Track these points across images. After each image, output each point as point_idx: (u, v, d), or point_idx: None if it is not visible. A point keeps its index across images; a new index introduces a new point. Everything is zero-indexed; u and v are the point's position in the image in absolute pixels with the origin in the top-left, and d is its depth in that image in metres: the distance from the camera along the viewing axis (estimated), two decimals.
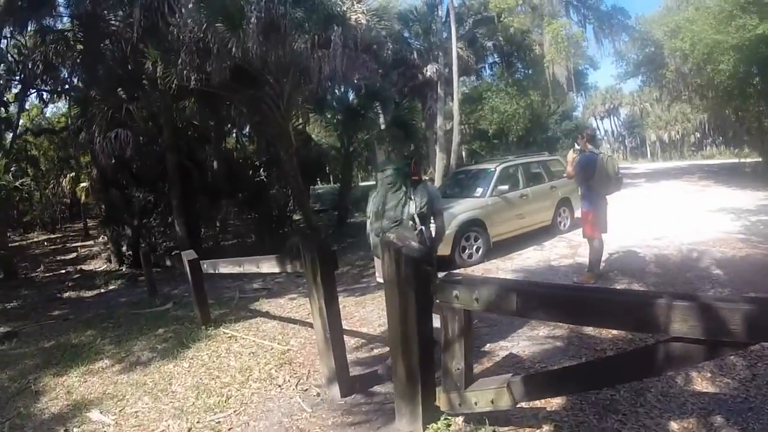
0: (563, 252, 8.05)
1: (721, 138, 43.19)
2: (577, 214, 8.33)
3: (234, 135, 14.73)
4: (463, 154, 24.52)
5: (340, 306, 3.86)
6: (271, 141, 10.96)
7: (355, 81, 11.19)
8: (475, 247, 7.72)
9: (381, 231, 3.74)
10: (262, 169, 12.03)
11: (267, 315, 6.42)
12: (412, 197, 3.72)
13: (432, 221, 4.04)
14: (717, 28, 12.78)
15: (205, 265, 5.92)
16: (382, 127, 13.80)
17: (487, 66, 23.84)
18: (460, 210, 7.65)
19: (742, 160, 22.55)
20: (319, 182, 14.72)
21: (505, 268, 7.39)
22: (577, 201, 9.43)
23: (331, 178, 15.17)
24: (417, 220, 3.71)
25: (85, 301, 9.33)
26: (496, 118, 20.02)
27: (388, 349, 3.83)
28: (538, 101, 21.71)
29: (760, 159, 19.73)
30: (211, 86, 9.50)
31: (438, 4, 19.47)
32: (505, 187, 8.28)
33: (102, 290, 10.17)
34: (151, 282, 8.61)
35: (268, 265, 4.66)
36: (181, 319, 6.64)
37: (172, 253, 8.53)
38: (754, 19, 11.65)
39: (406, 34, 20.07)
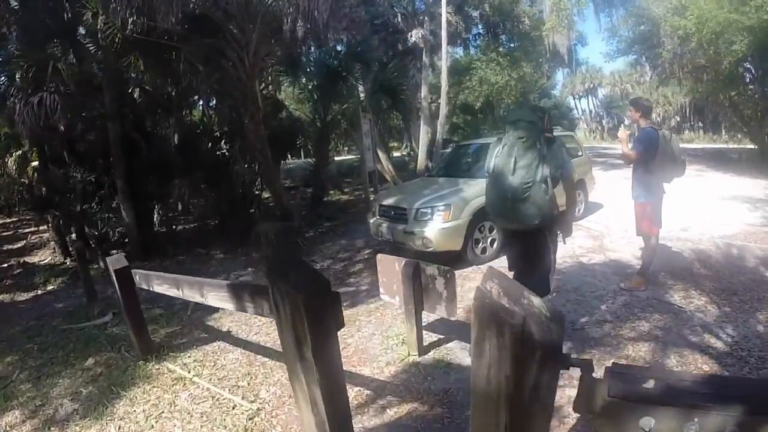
0: (587, 244, 7.04)
1: (700, 123, 43.72)
2: (620, 203, 7.74)
3: (199, 103, 12.78)
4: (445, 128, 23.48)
5: None
6: (235, 106, 9.26)
7: (340, 34, 9.76)
8: (489, 239, 6.53)
9: (509, 191, 3.31)
10: (223, 141, 10.29)
11: (228, 338, 5.09)
12: (545, 156, 3.27)
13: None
14: (734, 6, 12.21)
15: (137, 277, 4.45)
16: (362, 96, 12.29)
17: (471, 37, 22.59)
18: (472, 194, 6.33)
19: (732, 146, 23.18)
20: (289, 157, 13.18)
21: None
22: (590, 183, 8.72)
23: (302, 153, 13.54)
24: (550, 183, 3.28)
25: (17, 307, 7.54)
26: (485, 90, 18.77)
27: (411, 406, 3.28)
28: (531, 73, 20.55)
29: (753, 146, 19.80)
30: (160, 36, 7.95)
31: None
32: None
33: (39, 291, 8.26)
34: (88, 284, 7.03)
35: (217, 298, 2.99)
36: (118, 341, 5.28)
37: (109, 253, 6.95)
38: None
39: None
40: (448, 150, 10.37)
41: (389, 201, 6.97)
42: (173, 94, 10.07)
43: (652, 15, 18.40)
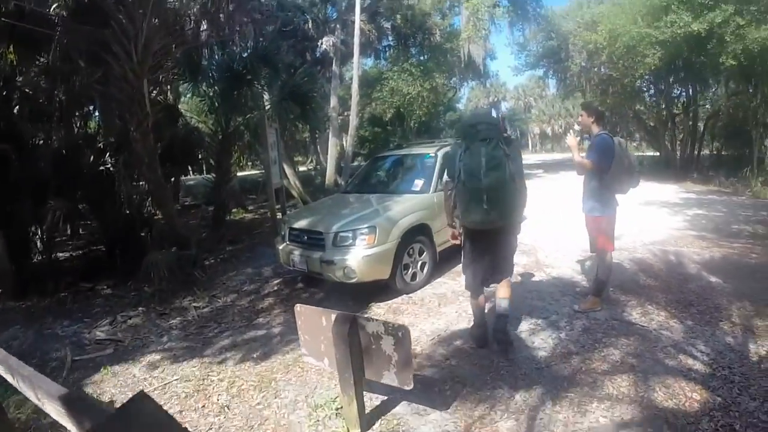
0: (522, 260, 6.45)
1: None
2: (542, 214, 7.41)
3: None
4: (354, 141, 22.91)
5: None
6: (120, 112, 7.80)
7: (245, 27, 8.79)
8: (419, 263, 5.70)
9: (484, 193, 3.38)
10: (108, 154, 8.61)
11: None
12: (509, 154, 3.41)
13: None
14: (647, 21, 12.98)
15: None
16: (268, 105, 11.16)
17: (382, 48, 22.12)
18: (399, 212, 5.48)
19: (635, 154, 23.46)
20: (191, 172, 11.78)
21: (466, 293, 5.22)
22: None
23: (204, 168, 12.13)
24: (516, 180, 3.43)
25: None
26: (396, 101, 18.28)
27: None
28: (443, 84, 20.33)
29: (656, 153, 21.33)
30: (38, 23, 6.48)
31: None
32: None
33: None
34: None
35: (54, 410, 1.86)
36: None
37: None
38: (688, 16, 11.87)
39: (300, 2, 17.83)
40: (364, 163, 9.43)
41: (301, 224, 5.87)
42: (60, 97, 8.40)
43: (561, 31, 19.55)
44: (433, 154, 6.44)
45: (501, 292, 3.90)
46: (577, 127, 4.61)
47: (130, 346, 4.94)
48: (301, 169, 25.48)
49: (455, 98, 33.63)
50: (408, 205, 5.59)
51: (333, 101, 15.81)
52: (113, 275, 7.26)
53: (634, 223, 8.21)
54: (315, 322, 3.04)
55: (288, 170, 14.72)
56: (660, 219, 8.84)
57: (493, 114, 3.78)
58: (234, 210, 13.74)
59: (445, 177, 3.85)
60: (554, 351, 3.87)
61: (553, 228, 8.18)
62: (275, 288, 6.44)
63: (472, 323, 4.16)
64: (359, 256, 4.96)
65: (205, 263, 7.86)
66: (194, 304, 5.97)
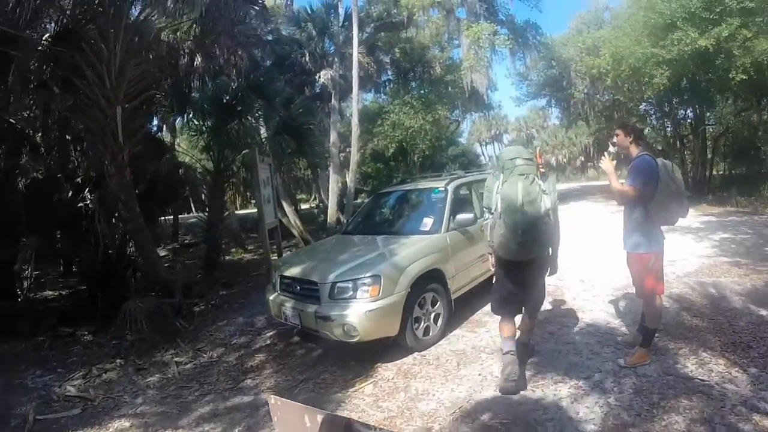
0: (548, 304, 5.72)
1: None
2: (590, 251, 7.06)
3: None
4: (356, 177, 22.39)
5: None
6: (93, 142, 7.17)
7: (235, 50, 8.31)
8: (432, 315, 4.93)
9: (519, 227, 3.41)
10: (87, 190, 7.87)
11: None
12: (545, 191, 3.48)
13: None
14: (651, 41, 12.62)
15: None
16: (264, 138, 10.59)
17: (382, 83, 21.88)
18: (408, 257, 4.72)
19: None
20: (193, 209, 11.18)
21: (488, 348, 4.67)
22: None
23: (193, 206, 11.54)
24: (551, 215, 3.50)
25: None
26: (398, 134, 17.82)
27: None
28: (445, 116, 19.90)
29: None
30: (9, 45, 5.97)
31: (338, 1, 17.33)
32: (466, 216, 5.30)
33: None
34: None
35: None
36: None
37: None
38: (694, 33, 11.49)
39: (298, 36, 17.76)
40: (366, 200, 8.76)
41: (294, 271, 5.09)
42: (41, 127, 7.94)
43: (562, 58, 19.34)
44: (443, 189, 5.79)
45: (525, 326, 4.10)
46: (612, 149, 3.94)
47: (101, 406, 4.42)
48: (304, 206, 25.02)
49: (457, 132, 33.38)
50: (417, 248, 4.92)
51: (333, 136, 15.31)
52: (95, 320, 6.65)
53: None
54: (295, 422, 2.15)
55: (287, 208, 14.22)
56: (686, 247, 8.18)
57: (529, 150, 3.77)
58: (233, 250, 13.15)
59: (484, 205, 3.87)
60: (605, 423, 3.17)
61: (576, 263, 7.50)
62: (268, 342, 5.79)
63: (503, 358, 3.81)
64: (361, 311, 4.24)
65: (194, 309, 7.27)
66: (176, 359, 5.40)
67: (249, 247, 14.26)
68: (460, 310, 5.54)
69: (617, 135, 3.88)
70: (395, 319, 4.42)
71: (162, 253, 10.25)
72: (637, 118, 17.92)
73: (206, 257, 9.67)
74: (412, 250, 4.83)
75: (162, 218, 14.80)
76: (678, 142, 18.41)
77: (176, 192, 9.52)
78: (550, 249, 3.73)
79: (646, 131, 19.66)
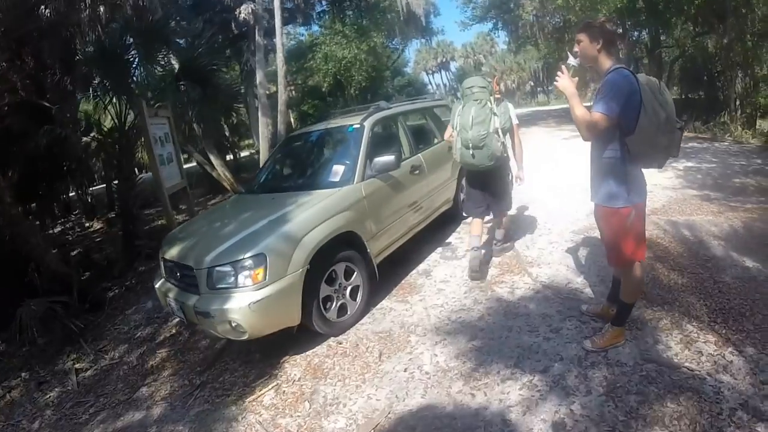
0: (496, 257, 4.97)
1: (551, 86, 46.48)
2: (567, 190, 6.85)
3: None
4: (292, 118, 20.70)
5: None
6: None
7: None
8: (349, 289, 3.92)
9: (469, 141, 4.13)
10: None
11: None
12: (496, 113, 4.13)
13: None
14: None
15: None
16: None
17: (315, 15, 20.05)
18: (307, 221, 3.61)
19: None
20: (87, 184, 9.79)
21: (420, 327, 3.75)
22: None
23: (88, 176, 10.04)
24: (500, 133, 4.14)
25: None
26: (332, 68, 16.29)
27: None
28: (382, 44, 18.35)
29: None
30: None
31: None
32: (385, 159, 4.22)
33: None
34: None
35: None
36: None
37: None
38: None
39: None
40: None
41: (173, 252, 3.93)
42: None
43: None
44: (358, 126, 4.67)
45: (500, 224, 4.87)
46: (572, 61, 2.80)
47: None
48: (244, 153, 23.48)
49: (402, 62, 31.92)
50: (318, 209, 3.76)
51: (259, 76, 13.62)
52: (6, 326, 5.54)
53: None
54: None
55: (215, 160, 12.83)
56: (649, 177, 7.21)
57: (487, 79, 4.38)
58: (157, 218, 11.74)
59: (450, 125, 4.39)
60: None
61: (528, 203, 6.65)
62: (173, 331, 4.77)
63: (469, 253, 4.55)
64: (244, 303, 3.17)
65: (107, 295, 6.21)
66: (77, 365, 4.48)
67: (183, 207, 12.95)
68: (389, 273, 4.63)
69: (579, 42, 2.71)
70: (293, 306, 3.37)
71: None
72: None
73: (123, 230, 8.32)
74: (311, 213, 3.70)
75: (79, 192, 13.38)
76: (632, 65, 17.64)
77: (61, 167, 7.96)
78: (502, 160, 4.32)
79: None
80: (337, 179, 4.17)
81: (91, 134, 9.85)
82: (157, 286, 4.10)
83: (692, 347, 2.93)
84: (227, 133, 20.13)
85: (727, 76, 13.83)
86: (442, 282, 4.50)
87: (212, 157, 12.80)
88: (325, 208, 3.74)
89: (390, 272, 4.70)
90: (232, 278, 3.26)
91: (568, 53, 2.82)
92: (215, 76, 8.36)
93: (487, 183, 4.48)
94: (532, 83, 51.59)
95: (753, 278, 3.78)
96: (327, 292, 3.68)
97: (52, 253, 6.69)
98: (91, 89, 8.21)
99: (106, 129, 9.25)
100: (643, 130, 2.52)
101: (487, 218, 4.77)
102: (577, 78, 2.76)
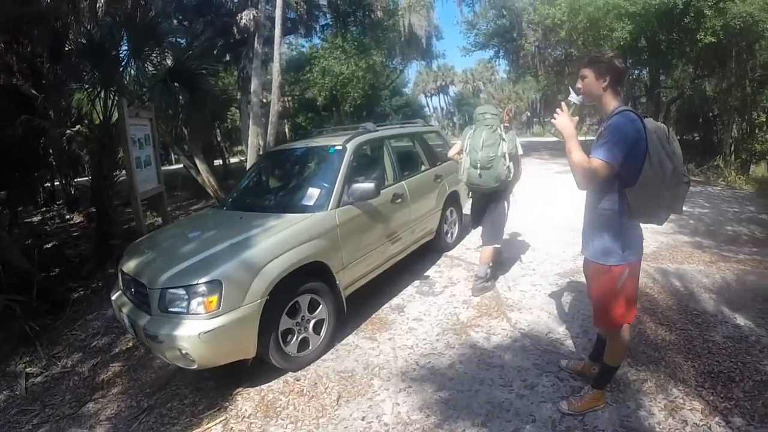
0: (475, 296, 4.71)
1: (548, 117, 46.96)
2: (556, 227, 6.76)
3: None
4: (286, 129, 20.47)
5: None
6: None
7: None
8: (312, 323, 3.62)
9: (478, 162, 4.44)
10: None
11: None
12: (504, 138, 4.44)
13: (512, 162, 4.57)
14: None
15: None
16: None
17: (318, 28, 19.94)
18: (272, 249, 3.31)
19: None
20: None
21: (385, 370, 3.46)
22: (465, 194, 6.52)
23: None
24: (507, 157, 4.44)
25: None
26: (328, 82, 16.11)
27: None
28: (381, 63, 18.22)
29: None
30: None
31: None
32: (364, 186, 3.95)
33: None
34: None
35: None
36: None
37: None
38: None
39: None
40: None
41: (131, 266, 3.65)
42: None
43: (514, 7, 18.38)
44: (340, 147, 4.42)
45: (483, 257, 4.82)
46: (574, 98, 2.51)
47: None
48: (234, 160, 23.24)
49: (401, 81, 31.84)
50: (285, 236, 3.46)
51: (254, 84, 13.35)
52: None
53: None
54: None
55: (200, 165, 12.62)
56: None
57: (498, 108, 4.80)
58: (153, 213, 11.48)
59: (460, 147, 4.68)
60: None
61: (513, 238, 6.48)
62: (129, 345, 4.46)
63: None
64: (194, 332, 2.90)
65: (72, 296, 5.89)
66: (29, 369, 4.20)
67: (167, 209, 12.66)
68: (359, 305, 4.36)
69: (583, 77, 2.45)
70: (248, 339, 3.10)
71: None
72: None
73: (96, 229, 8.00)
74: (277, 239, 3.40)
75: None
76: (630, 104, 17.65)
77: (39, 157, 7.63)
78: (506, 183, 4.57)
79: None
80: (310, 203, 3.89)
81: (77, 127, 9.62)
82: (113, 297, 3.84)
83: (677, 415, 2.70)
84: (219, 138, 19.91)
85: (724, 120, 13.83)
86: (415, 320, 4.21)
87: (198, 162, 12.57)
88: (293, 235, 3.46)
89: (360, 304, 4.43)
90: (185, 303, 2.99)
91: (570, 89, 2.55)
92: (204, 80, 8.10)
93: (488, 202, 4.81)
94: (529, 113, 51.97)
95: (744, 338, 3.57)
96: (288, 325, 3.40)
97: (15, 247, 6.41)
98: (82, 82, 7.97)
99: (95, 123, 8.94)
100: (646, 183, 2.28)
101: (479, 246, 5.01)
102: (577, 117, 2.50)
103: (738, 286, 4.62)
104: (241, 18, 14.80)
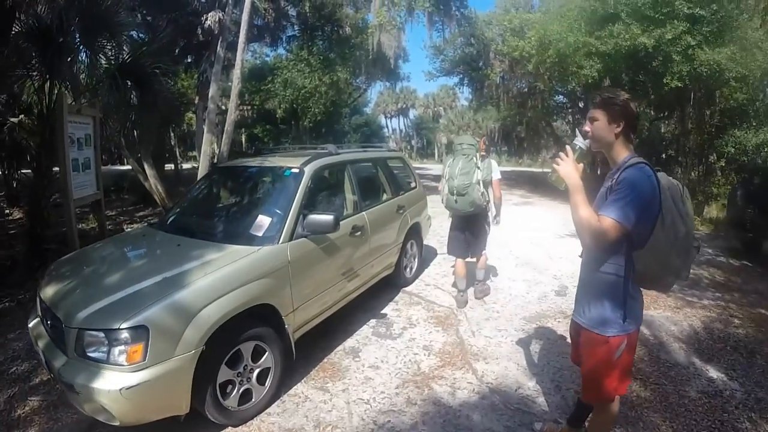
0: (436, 339, 4.35)
1: (506, 147, 48.18)
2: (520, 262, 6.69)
3: None
4: (243, 139, 19.81)
5: None
6: None
7: None
8: (256, 372, 3.13)
9: (454, 189, 4.80)
10: None
11: None
12: (479, 167, 4.83)
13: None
14: (587, 29, 11.93)
15: None
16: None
17: (285, 38, 19.48)
18: (211, 290, 2.79)
19: (536, 169, 27.24)
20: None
21: (338, 428, 3.03)
22: (426, 225, 6.49)
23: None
24: (481, 184, 4.78)
25: None
26: (289, 95, 15.64)
27: None
28: (346, 80, 17.85)
29: None
30: None
31: None
32: (321, 218, 3.45)
33: None
34: None
35: None
36: None
37: None
38: (636, 28, 10.83)
39: None
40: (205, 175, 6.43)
41: (49, 292, 3.10)
42: None
43: (483, 37, 18.39)
44: (297, 170, 3.97)
45: (479, 264, 5.41)
46: (581, 142, 2.21)
47: None
48: (187, 166, 22.43)
49: (363, 100, 31.67)
50: (229, 272, 2.95)
51: (212, 89, 12.70)
52: None
53: (575, 269, 6.38)
54: None
55: (149, 171, 11.92)
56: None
57: (475, 138, 5.11)
58: (90, 217, 10.59)
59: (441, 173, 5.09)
60: None
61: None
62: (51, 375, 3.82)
63: (456, 294, 5.33)
64: (115, 386, 2.41)
65: None
66: None
67: (110, 213, 11.82)
68: (310, 347, 3.94)
69: (593, 120, 2.12)
70: (179, 394, 2.62)
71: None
72: (549, 111, 17.48)
73: (29, 230, 7.19)
74: (217, 277, 2.88)
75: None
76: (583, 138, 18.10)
77: None
78: (482, 207, 4.88)
79: (562, 125, 19.37)
80: (259, 234, 3.40)
81: (21, 116, 8.85)
82: (30, 325, 3.28)
83: None
84: (173, 142, 19.12)
85: (680, 162, 14.08)
86: (372, 368, 3.78)
87: (147, 167, 11.86)
88: (237, 273, 2.97)
89: (311, 346, 3.99)
90: (104, 349, 2.49)
91: (577, 132, 2.25)
92: (157, 80, 7.50)
93: (467, 226, 5.14)
94: (487, 142, 52.87)
95: (719, 393, 3.44)
96: (227, 377, 2.92)
97: None
98: (27, 69, 7.25)
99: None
100: (656, 247, 2.01)
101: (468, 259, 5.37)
102: (582, 165, 2.18)
103: (706, 334, 4.51)
104: (206, 19, 14.19)
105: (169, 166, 19.08)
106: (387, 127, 61.74)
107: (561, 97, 18.27)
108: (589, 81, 12.50)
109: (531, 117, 18.81)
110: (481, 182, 4.74)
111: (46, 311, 3.03)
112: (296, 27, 18.71)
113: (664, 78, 10.94)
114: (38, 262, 6.48)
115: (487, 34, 18.04)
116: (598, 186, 2.20)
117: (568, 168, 2.10)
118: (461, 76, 21.51)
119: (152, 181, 11.94)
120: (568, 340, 4.18)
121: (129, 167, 14.45)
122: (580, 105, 17.66)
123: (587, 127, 2.15)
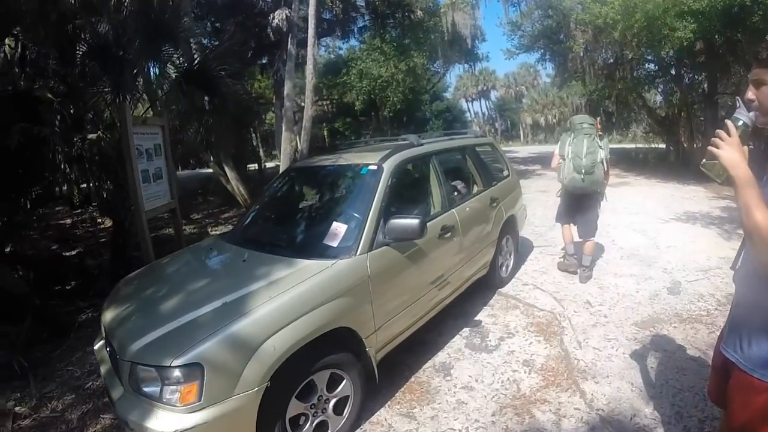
0: (538, 353, 3.77)
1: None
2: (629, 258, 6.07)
3: None
4: (325, 134, 19.76)
5: None
6: None
7: None
8: (333, 402, 2.73)
9: (582, 168, 4.91)
10: None
11: None
12: (602, 146, 4.92)
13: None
14: None
15: None
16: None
17: (356, 30, 19.17)
18: (279, 316, 2.39)
19: (629, 145, 25.70)
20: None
21: None
22: (522, 218, 5.97)
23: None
24: (605, 163, 4.93)
25: None
26: (366, 85, 15.29)
27: None
28: (422, 64, 17.24)
29: (662, 147, 19.82)
30: None
31: None
32: (406, 222, 2.95)
33: None
34: None
35: None
36: None
37: None
38: None
39: None
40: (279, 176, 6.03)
41: (108, 317, 2.91)
42: None
43: (561, 6, 17.10)
44: (376, 166, 3.47)
45: (586, 250, 5.30)
46: (743, 114, 1.52)
47: None
48: (270, 165, 22.85)
49: (442, 85, 30.87)
50: (299, 294, 2.53)
51: (287, 86, 12.61)
52: None
53: (687, 260, 5.73)
54: None
55: (230, 173, 12.01)
56: (716, 249, 6.05)
57: (592, 118, 5.16)
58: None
59: (558, 153, 5.20)
60: None
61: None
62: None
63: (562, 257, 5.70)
64: (169, 428, 2.10)
65: (79, 318, 5.36)
66: (18, 408, 3.63)
67: (196, 217, 12.29)
68: (394, 363, 3.51)
69: (760, 83, 1.49)
70: None
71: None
72: (640, 81, 16.07)
73: (112, 242, 7.34)
74: (284, 301, 2.47)
75: None
76: (684, 111, 16.48)
77: (41, 168, 6.91)
78: (603, 185, 5.04)
79: (653, 97, 17.72)
80: (333, 244, 2.96)
81: (98, 133, 9.12)
82: (96, 348, 3.11)
83: None
84: (255, 143, 19.43)
85: None
86: (465, 388, 3.30)
87: (227, 170, 11.97)
88: (307, 295, 2.55)
89: (395, 362, 3.56)
90: (157, 387, 2.19)
91: (738, 102, 1.58)
92: (223, 83, 7.35)
93: (583, 205, 5.22)
94: (603, 122, 50.67)
95: None
96: (299, 410, 2.55)
97: (7, 271, 5.81)
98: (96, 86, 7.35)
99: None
100: None
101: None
102: (746, 147, 1.50)
103: None
104: (273, 18, 14.14)
105: (253, 166, 19.38)
106: (469, 111, 60.22)
107: (651, 65, 16.74)
108: (684, 44, 11.33)
109: (621, 89, 17.37)
110: (604, 161, 4.91)
111: (106, 337, 2.83)
112: (366, 17, 18.34)
113: (766, 35, 9.65)
114: (122, 270, 6.57)
115: (566, 3, 16.74)
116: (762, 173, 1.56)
117: (733, 154, 1.44)
118: (542, 51, 20.21)
119: (234, 183, 12.05)
120: (688, 350, 3.55)
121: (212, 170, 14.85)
122: (672, 72, 16.16)
123: (752, 94, 1.52)
